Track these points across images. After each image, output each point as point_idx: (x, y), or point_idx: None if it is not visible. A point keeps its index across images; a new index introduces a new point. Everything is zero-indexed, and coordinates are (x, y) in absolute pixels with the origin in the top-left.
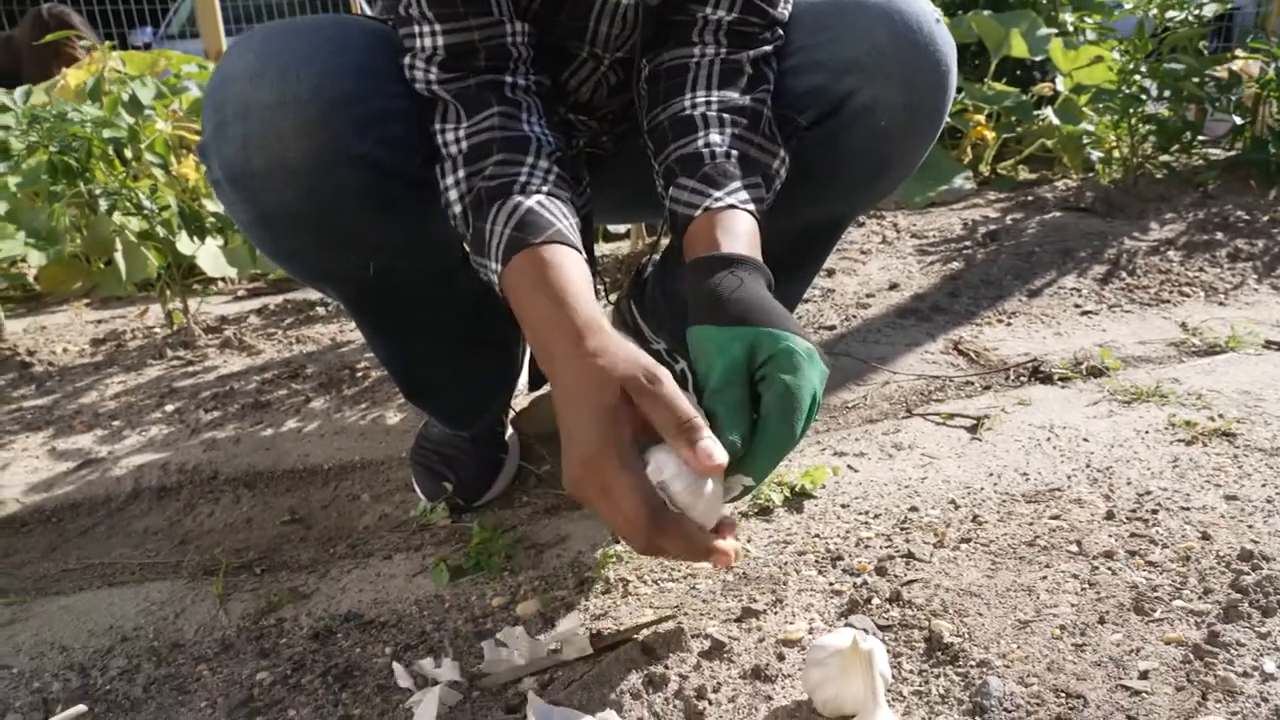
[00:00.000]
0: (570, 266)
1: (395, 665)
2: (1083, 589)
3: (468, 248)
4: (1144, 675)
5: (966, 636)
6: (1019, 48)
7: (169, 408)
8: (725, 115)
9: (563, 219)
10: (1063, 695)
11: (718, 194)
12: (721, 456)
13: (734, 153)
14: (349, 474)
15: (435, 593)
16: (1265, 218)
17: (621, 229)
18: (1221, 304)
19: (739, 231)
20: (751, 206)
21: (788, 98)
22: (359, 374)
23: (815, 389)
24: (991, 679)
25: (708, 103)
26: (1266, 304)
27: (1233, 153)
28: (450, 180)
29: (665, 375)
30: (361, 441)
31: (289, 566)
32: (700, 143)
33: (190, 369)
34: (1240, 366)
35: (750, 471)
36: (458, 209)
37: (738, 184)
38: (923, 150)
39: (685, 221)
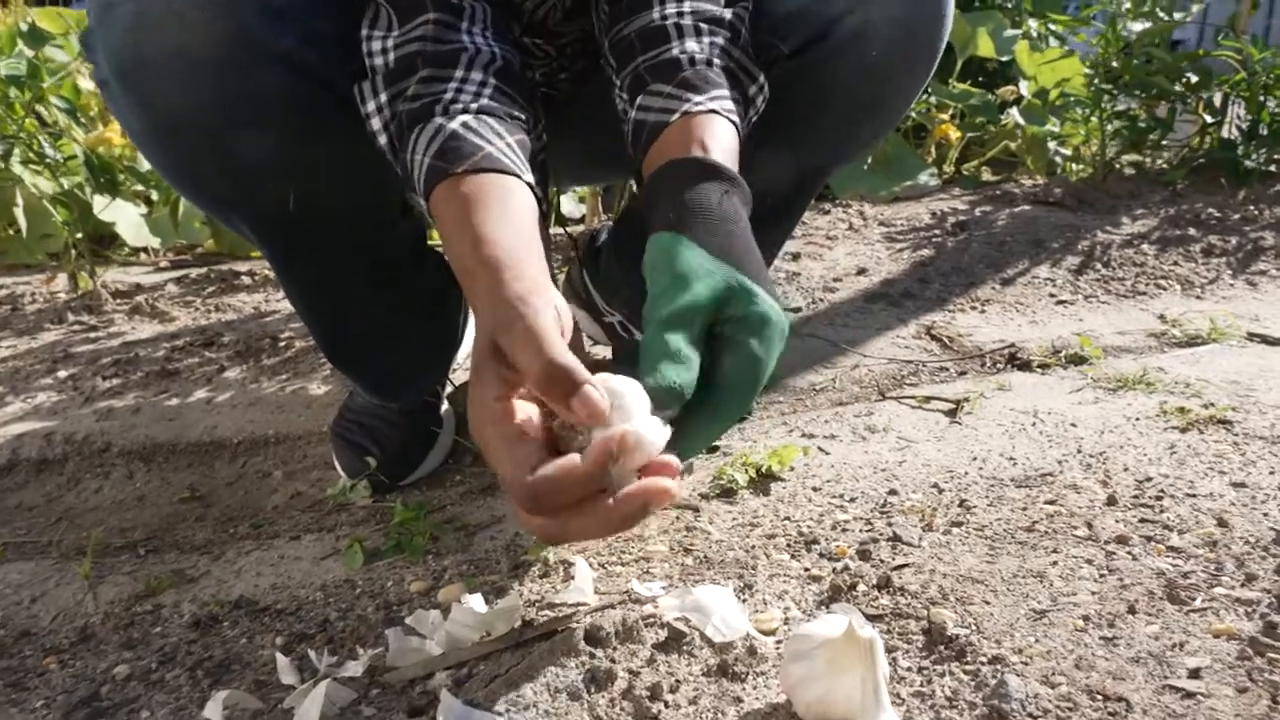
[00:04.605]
0: (499, 195)
1: (279, 657)
2: (1102, 575)
3: (405, 185)
4: (1195, 674)
5: (974, 628)
6: (986, 47)
7: (61, 374)
8: (702, 24)
9: (494, 139)
10: (1099, 697)
11: (698, 98)
12: (599, 404)
13: (716, 62)
14: (261, 449)
15: (346, 577)
16: (1237, 215)
17: (576, 213)
18: (1198, 298)
19: (724, 142)
20: (735, 118)
21: (769, 20)
22: (281, 343)
23: (772, 366)
24: (1010, 678)
25: (679, 12)
26: (1243, 299)
27: (1201, 152)
28: (372, 105)
29: (566, 323)
30: (278, 414)
31: (179, 548)
32: (675, 50)
33: (92, 335)
34: (1225, 357)
35: (685, 441)
36: (383, 139)
37: (721, 91)
38: (916, 89)
39: (657, 130)
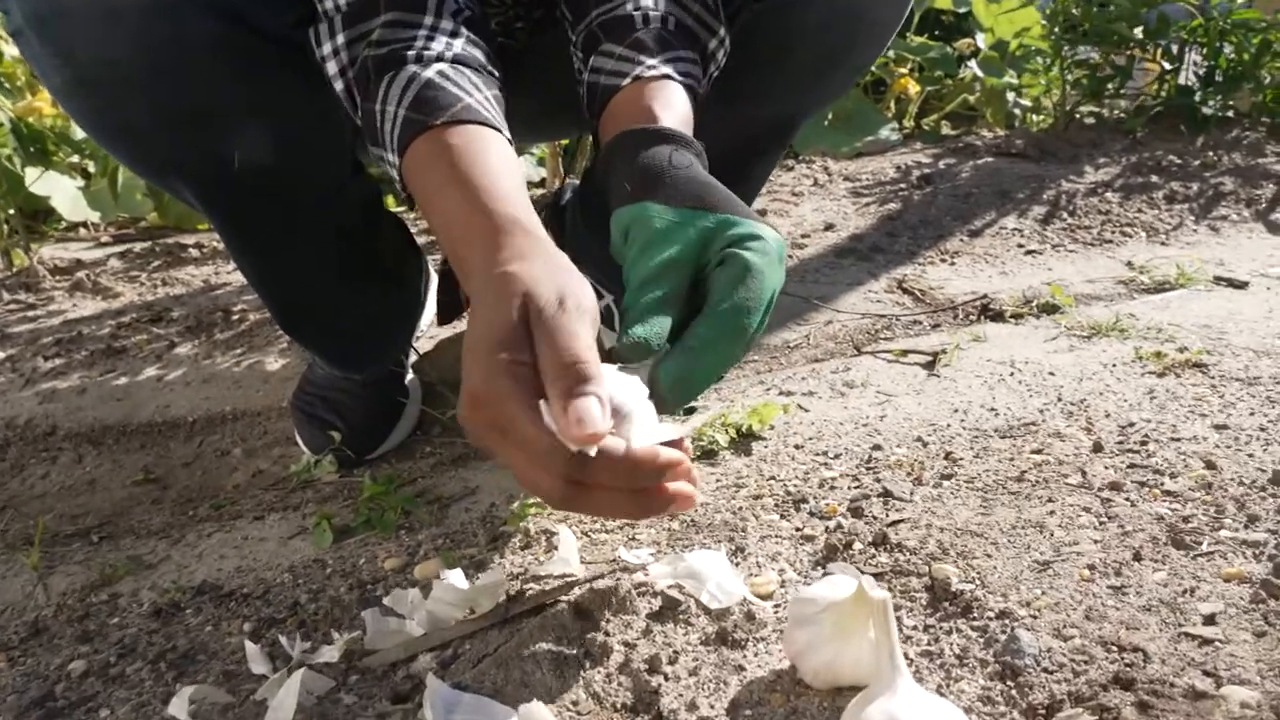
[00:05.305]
0: (485, 150)
1: (249, 645)
2: (1102, 523)
3: (364, 138)
4: (1210, 620)
5: (978, 583)
6: None
7: None
8: None
9: (474, 91)
10: (1114, 648)
11: (651, 61)
12: (596, 425)
13: (670, 18)
14: (218, 426)
15: (315, 557)
16: (1197, 162)
17: (535, 175)
18: (1164, 244)
19: (677, 108)
20: (691, 81)
21: None
22: (235, 316)
23: (775, 287)
24: (1021, 632)
25: None
26: (1207, 244)
27: (1159, 100)
28: (328, 48)
29: (582, 302)
30: (234, 390)
31: (135, 533)
32: (629, 5)
33: (30, 313)
34: (1194, 302)
35: (692, 373)
36: (340, 85)
37: (675, 52)
38: (888, 35)
39: (608, 94)
